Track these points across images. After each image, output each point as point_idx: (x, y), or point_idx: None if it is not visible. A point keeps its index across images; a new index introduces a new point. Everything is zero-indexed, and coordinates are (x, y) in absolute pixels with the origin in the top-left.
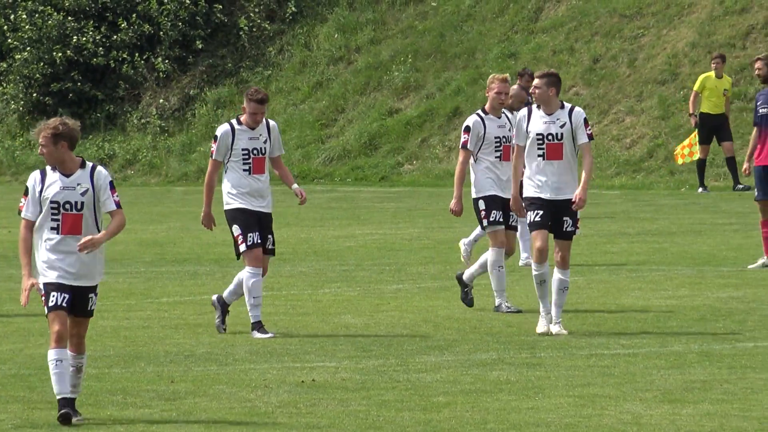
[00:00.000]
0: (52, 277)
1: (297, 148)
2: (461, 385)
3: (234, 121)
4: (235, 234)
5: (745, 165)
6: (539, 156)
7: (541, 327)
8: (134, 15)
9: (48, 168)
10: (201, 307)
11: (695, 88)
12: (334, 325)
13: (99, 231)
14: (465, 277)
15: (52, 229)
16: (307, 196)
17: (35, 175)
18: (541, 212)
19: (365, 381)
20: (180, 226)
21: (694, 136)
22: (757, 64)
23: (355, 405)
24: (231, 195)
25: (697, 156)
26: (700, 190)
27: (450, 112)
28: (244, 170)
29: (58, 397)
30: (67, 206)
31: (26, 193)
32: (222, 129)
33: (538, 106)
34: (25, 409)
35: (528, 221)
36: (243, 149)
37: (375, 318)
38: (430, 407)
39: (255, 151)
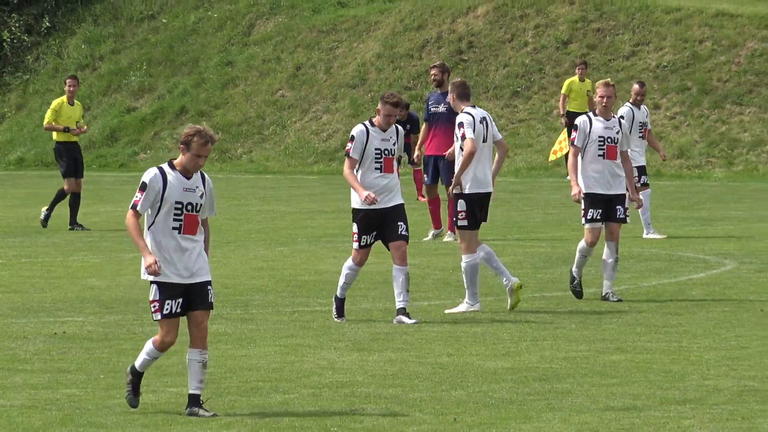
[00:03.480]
0: (165, 277)
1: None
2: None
3: (367, 123)
4: (353, 231)
5: (417, 152)
6: None
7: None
8: None
9: (165, 167)
10: None
11: (563, 91)
12: (81, 286)
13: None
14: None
15: (174, 228)
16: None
17: (156, 174)
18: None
19: (107, 333)
20: None
21: (563, 134)
22: (434, 71)
23: (99, 353)
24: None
25: (566, 151)
26: None
27: (178, 110)
28: (376, 168)
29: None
30: (189, 207)
31: (142, 189)
32: (357, 129)
33: None
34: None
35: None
36: (376, 149)
37: (116, 281)
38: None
39: (386, 152)
